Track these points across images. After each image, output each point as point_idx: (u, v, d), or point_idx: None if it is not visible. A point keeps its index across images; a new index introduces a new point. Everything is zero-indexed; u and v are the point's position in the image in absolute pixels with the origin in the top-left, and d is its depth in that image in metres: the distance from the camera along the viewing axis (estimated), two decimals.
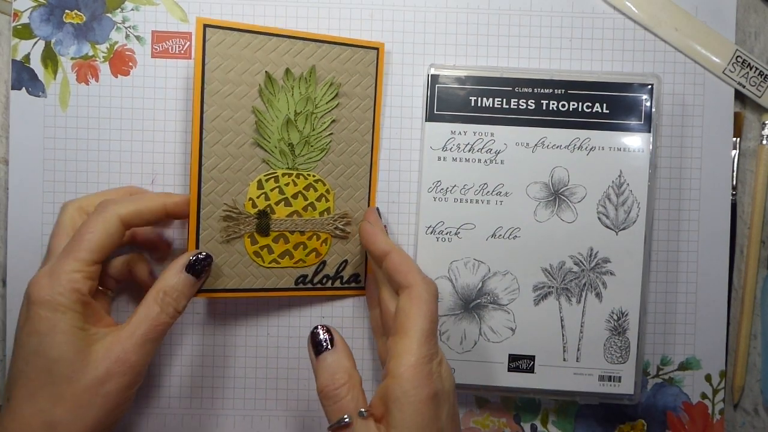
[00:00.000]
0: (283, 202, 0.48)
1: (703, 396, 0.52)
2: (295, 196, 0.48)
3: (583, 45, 0.52)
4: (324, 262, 0.49)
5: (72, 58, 0.50)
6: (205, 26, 0.44)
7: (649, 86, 0.50)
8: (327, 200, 0.49)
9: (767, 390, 0.53)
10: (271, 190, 0.47)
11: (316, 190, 0.48)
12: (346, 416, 0.38)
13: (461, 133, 0.50)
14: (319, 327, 0.42)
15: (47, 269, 0.41)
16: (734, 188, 0.53)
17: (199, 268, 0.44)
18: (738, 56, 0.52)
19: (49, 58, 0.50)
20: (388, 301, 0.44)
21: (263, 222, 0.47)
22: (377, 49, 0.49)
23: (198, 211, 0.45)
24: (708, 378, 0.52)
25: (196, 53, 0.44)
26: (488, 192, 0.50)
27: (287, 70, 0.47)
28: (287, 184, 0.48)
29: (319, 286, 0.49)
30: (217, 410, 0.51)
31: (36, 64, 0.50)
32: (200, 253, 0.44)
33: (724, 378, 0.52)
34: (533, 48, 0.51)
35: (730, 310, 0.53)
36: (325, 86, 0.48)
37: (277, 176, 0.47)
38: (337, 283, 0.50)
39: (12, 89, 0.50)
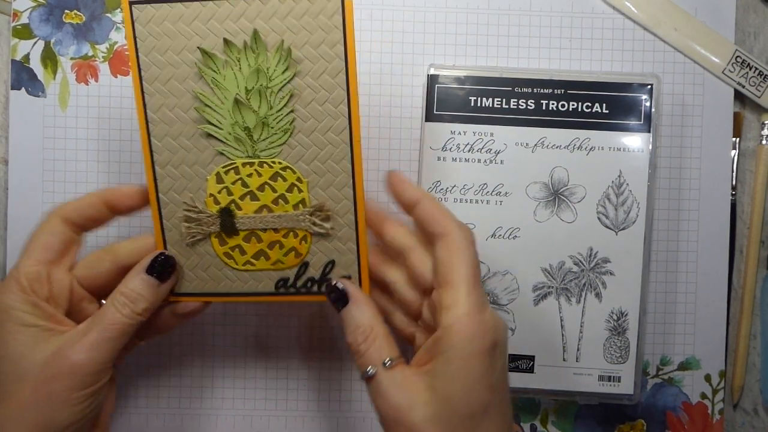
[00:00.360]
0: (248, 196, 0.41)
1: (703, 396, 0.52)
2: (261, 188, 0.41)
3: (582, 45, 0.52)
4: (306, 264, 0.42)
5: (72, 58, 0.50)
6: (131, 3, 0.39)
7: (649, 86, 0.50)
8: (300, 190, 0.41)
9: (767, 390, 0.53)
10: (233, 183, 0.41)
11: (284, 179, 0.41)
12: (369, 368, 0.38)
13: (461, 133, 0.50)
14: (333, 282, 0.41)
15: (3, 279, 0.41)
16: (734, 188, 0.53)
17: (159, 269, 0.41)
18: (737, 56, 0.52)
19: (49, 58, 0.50)
20: (421, 262, 0.41)
21: (227, 221, 0.42)
22: None
23: (159, 211, 0.42)
24: (707, 378, 0.52)
25: (126, 35, 0.40)
26: (488, 192, 0.50)
27: (225, 41, 0.39)
28: (250, 175, 0.41)
29: (303, 290, 0.43)
30: (216, 410, 0.51)
31: (35, 64, 0.50)
32: (161, 255, 0.41)
33: (724, 378, 0.52)
34: (533, 48, 0.51)
35: (729, 310, 0.53)
36: (276, 52, 0.40)
37: (237, 167, 0.41)
38: (324, 287, 0.42)
39: (11, 89, 0.50)
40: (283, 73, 0.40)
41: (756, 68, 0.52)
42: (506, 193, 0.50)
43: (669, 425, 0.53)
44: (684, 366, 0.52)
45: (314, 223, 0.42)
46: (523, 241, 0.50)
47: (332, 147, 0.41)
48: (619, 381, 0.50)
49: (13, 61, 0.50)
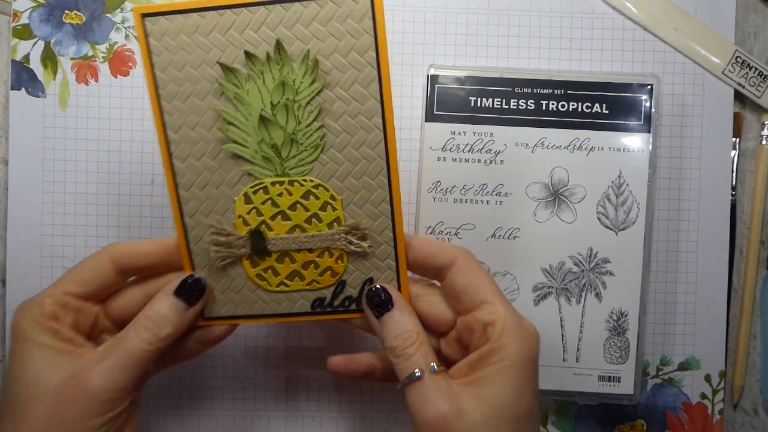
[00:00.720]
0: (279, 216, 0.39)
1: (703, 396, 0.52)
2: (292, 207, 0.39)
3: (582, 45, 0.52)
4: (343, 282, 0.40)
5: (72, 59, 0.50)
6: (143, 16, 0.36)
7: (649, 86, 0.50)
8: (334, 208, 0.39)
9: (767, 390, 0.53)
10: (262, 203, 0.39)
11: (317, 197, 0.39)
12: (417, 370, 0.37)
13: (461, 134, 0.50)
14: (377, 287, 0.40)
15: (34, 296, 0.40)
16: (734, 188, 0.53)
17: (189, 292, 0.39)
18: (737, 56, 0.52)
19: (49, 59, 0.50)
20: (433, 305, 0.41)
21: (258, 243, 0.39)
22: None
23: (185, 236, 0.39)
24: (707, 378, 0.52)
25: (141, 52, 0.37)
26: (488, 192, 0.50)
27: (246, 53, 0.37)
28: (280, 195, 0.39)
29: (341, 309, 0.41)
30: (216, 410, 0.51)
31: (35, 65, 0.50)
32: (191, 276, 0.39)
33: (724, 378, 0.52)
34: (533, 48, 0.51)
35: (729, 311, 0.53)
36: (302, 63, 0.37)
37: (266, 186, 0.39)
38: (366, 293, 0.41)
39: (11, 89, 0.50)
40: (311, 85, 0.37)
41: (756, 68, 0.52)
42: (506, 193, 0.50)
43: (669, 425, 0.53)
44: (684, 366, 0.52)
45: (351, 242, 0.40)
46: (523, 242, 0.50)
47: (367, 162, 0.39)
48: (619, 381, 0.50)
49: (13, 62, 0.50)
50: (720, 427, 0.52)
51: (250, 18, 0.36)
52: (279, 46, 0.37)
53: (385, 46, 0.37)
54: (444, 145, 0.50)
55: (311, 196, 0.39)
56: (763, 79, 0.52)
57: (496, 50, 0.51)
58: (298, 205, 0.39)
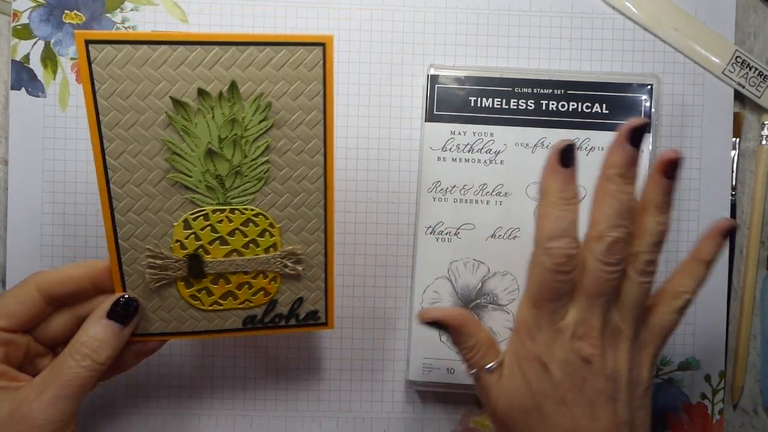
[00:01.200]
0: (218, 242, 0.40)
1: (703, 396, 0.52)
2: (231, 233, 0.40)
3: (582, 45, 0.52)
4: (275, 302, 0.42)
5: (71, 59, 0.50)
6: (87, 42, 0.36)
7: (649, 86, 0.50)
8: (272, 235, 0.41)
9: (767, 390, 0.53)
10: (201, 229, 0.40)
11: (256, 225, 0.41)
12: (474, 371, 0.40)
13: (461, 134, 0.50)
14: (426, 320, 0.41)
15: None
16: (734, 188, 0.53)
17: (122, 314, 0.39)
18: (737, 56, 0.52)
19: (49, 59, 0.50)
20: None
21: (195, 266, 0.40)
22: (323, 45, 0.38)
23: (118, 258, 0.40)
24: (707, 378, 0.52)
25: (82, 78, 0.36)
26: (488, 192, 0.50)
27: (200, 90, 0.37)
28: (220, 221, 0.40)
29: (270, 325, 0.43)
30: (216, 410, 0.51)
31: (35, 65, 0.50)
32: (123, 296, 0.40)
33: (724, 378, 0.52)
34: (533, 48, 0.51)
35: (729, 311, 0.53)
36: (253, 103, 0.38)
37: (207, 214, 0.40)
38: (293, 321, 0.43)
39: (11, 89, 0.50)
40: (260, 123, 0.39)
41: (756, 68, 0.52)
42: (506, 193, 0.50)
43: (669, 425, 0.53)
44: (684, 366, 0.52)
45: (286, 266, 0.42)
46: (523, 241, 0.50)
47: (306, 195, 0.41)
48: None
49: (13, 62, 0.50)
50: (720, 427, 0.52)
51: (204, 56, 0.37)
52: (233, 86, 0.38)
53: (332, 91, 0.39)
54: (444, 145, 0.50)
55: (251, 224, 0.41)
56: (763, 79, 0.52)
57: (496, 50, 0.51)
58: (237, 232, 0.41)
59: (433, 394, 0.52)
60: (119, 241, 0.40)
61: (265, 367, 0.51)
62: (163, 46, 0.36)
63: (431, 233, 0.50)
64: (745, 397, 0.54)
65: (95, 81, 0.37)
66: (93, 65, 0.36)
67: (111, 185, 0.39)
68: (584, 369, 0.38)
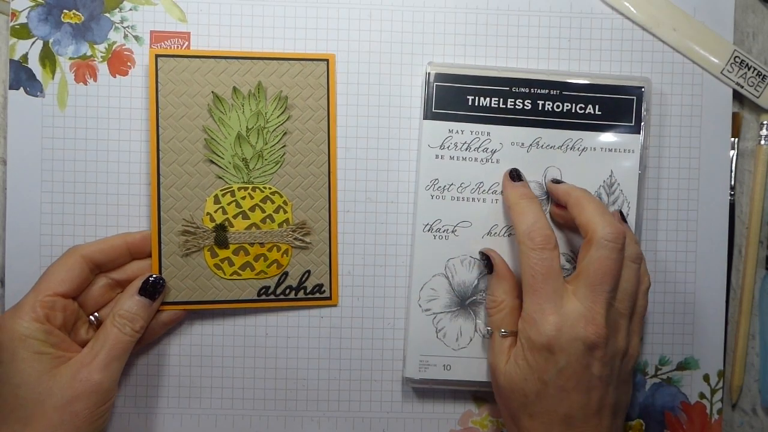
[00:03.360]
0: (240, 216, 0.49)
1: (702, 396, 0.52)
2: (252, 209, 0.50)
3: (581, 45, 0.52)
4: (286, 273, 0.50)
5: (70, 58, 0.50)
6: (157, 56, 0.48)
7: (640, 88, 0.50)
8: (285, 211, 0.50)
9: (765, 390, 0.53)
10: (228, 204, 0.49)
11: (273, 202, 0.50)
12: (489, 329, 0.48)
13: (459, 132, 0.50)
14: (482, 253, 0.49)
15: (14, 305, 0.45)
16: (732, 188, 0.53)
17: (151, 290, 0.47)
18: (736, 56, 0.52)
19: (47, 58, 0.50)
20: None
21: (221, 235, 0.49)
22: (327, 60, 0.50)
23: (159, 226, 0.49)
24: (706, 378, 0.52)
25: (149, 81, 0.48)
26: (484, 190, 0.50)
27: (234, 89, 0.49)
28: (244, 198, 0.49)
29: (282, 297, 0.50)
30: (216, 410, 0.51)
31: (34, 64, 0.50)
32: (152, 276, 0.47)
33: (722, 378, 0.52)
34: (532, 48, 0.51)
35: (728, 310, 0.53)
36: (274, 101, 0.49)
37: (233, 190, 0.49)
38: (301, 294, 0.50)
39: (10, 89, 0.50)
40: (278, 117, 0.49)
41: (755, 68, 0.52)
42: (502, 191, 0.50)
43: (667, 425, 0.52)
44: (682, 366, 0.52)
45: (296, 239, 0.50)
46: None
47: (313, 177, 0.50)
48: None
49: (12, 61, 0.50)
50: (718, 426, 0.52)
51: (239, 66, 0.49)
52: (260, 86, 0.49)
53: (335, 95, 0.50)
54: (442, 143, 0.50)
55: (268, 201, 0.50)
56: (762, 79, 0.52)
57: (494, 50, 0.51)
58: (257, 207, 0.50)
59: (431, 392, 0.52)
60: (161, 212, 0.49)
61: (265, 367, 0.51)
62: (210, 60, 0.49)
63: (429, 230, 0.50)
64: (743, 397, 0.54)
65: (159, 83, 0.48)
66: (159, 72, 0.48)
67: (160, 164, 0.49)
68: (588, 356, 0.42)
